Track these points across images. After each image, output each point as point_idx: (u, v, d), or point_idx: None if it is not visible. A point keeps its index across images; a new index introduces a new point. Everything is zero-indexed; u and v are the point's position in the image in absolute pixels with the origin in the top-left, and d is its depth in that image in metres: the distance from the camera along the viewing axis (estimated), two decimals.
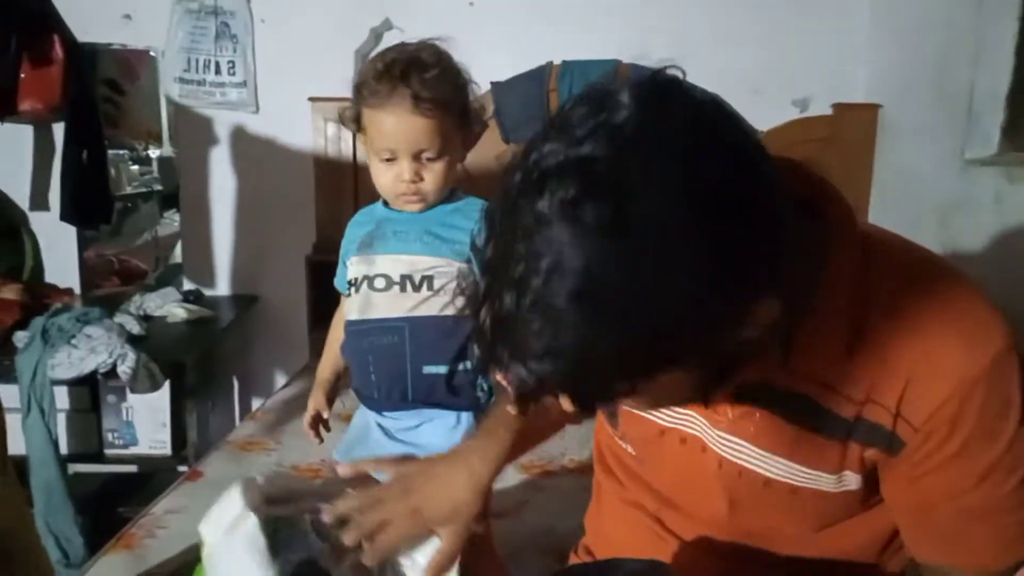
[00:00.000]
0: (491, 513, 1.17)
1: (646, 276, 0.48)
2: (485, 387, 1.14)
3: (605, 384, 0.53)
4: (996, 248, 2.03)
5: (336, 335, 1.24)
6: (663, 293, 0.48)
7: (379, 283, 1.13)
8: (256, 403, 2.71)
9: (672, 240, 0.48)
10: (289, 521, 0.87)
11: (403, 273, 1.11)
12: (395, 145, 1.07)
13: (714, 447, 0.72)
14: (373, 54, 2.53)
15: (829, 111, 2.56)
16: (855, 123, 2.52)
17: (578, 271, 0.48)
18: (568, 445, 1.78)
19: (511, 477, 1.52)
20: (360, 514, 0.79)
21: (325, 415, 1.23)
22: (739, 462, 0.71)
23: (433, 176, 1.09)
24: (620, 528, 0.90)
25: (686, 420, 0.73)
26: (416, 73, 1.04)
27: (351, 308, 1.16)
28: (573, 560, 0.99)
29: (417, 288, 1.11)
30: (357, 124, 1.11)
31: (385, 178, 1.10)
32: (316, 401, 1.23)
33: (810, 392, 0.66)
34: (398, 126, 1.05)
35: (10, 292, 2.28)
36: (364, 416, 1.19)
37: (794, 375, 0.66)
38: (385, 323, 1.12)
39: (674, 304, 0.49)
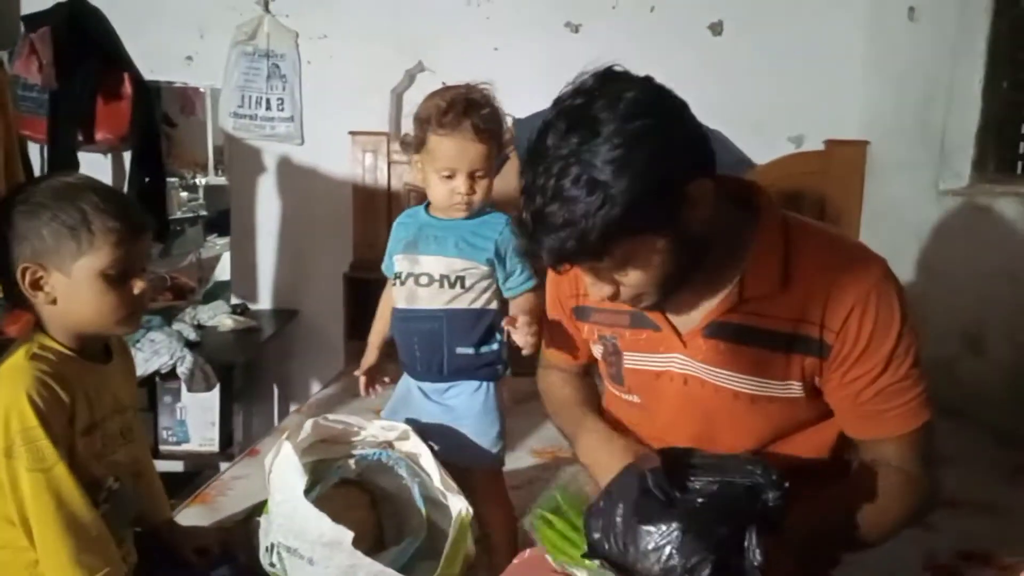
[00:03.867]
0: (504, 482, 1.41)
1: (616, 169, 0.81)
2: (502, 363, 1.39)
3: (607, 237, 0.82)
4: (966, 270, 2.24)
5: (383, 310, 1.49)
6: (629, 175, 0.81)
7: (423, 280, 1.37)
8: (293, 407, 2.95)
9: (629, 140, 0.82)
10: (325, 462, 1.25)
11: (442, 273, 1.36)
12: (457, 165, 1.32)
13: (696, 374, 1.00)
14: (406, 93, 2.85)
15: (822, 147, 2.80)
16: (845, 157, 2.76)
17: (578, 171, 0.81)
18: None
19: (524, 460, 1.74)
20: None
21: (374, 368, 1.47)
22: (714, 382, 0.99)
23: (481, 190, 1.35)
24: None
25: (673, 362, 1.01)
26: (475, 109, 1.32)
27: (398, 297, 1.40)
28: None
29: (453, 285, 1.36)
30: (418, 148, 1.37)
31: (441, 191, 1.35)
32: (369, 356, 1.48)
33: (758, 323, 0.95)
34: (462, 150, 1.31)
35: None
36: (406, 383, 1.44)
37: (745, 313, 0.95)
38: (428, 313, 1.37)
39: (638, 180, 0.81)
